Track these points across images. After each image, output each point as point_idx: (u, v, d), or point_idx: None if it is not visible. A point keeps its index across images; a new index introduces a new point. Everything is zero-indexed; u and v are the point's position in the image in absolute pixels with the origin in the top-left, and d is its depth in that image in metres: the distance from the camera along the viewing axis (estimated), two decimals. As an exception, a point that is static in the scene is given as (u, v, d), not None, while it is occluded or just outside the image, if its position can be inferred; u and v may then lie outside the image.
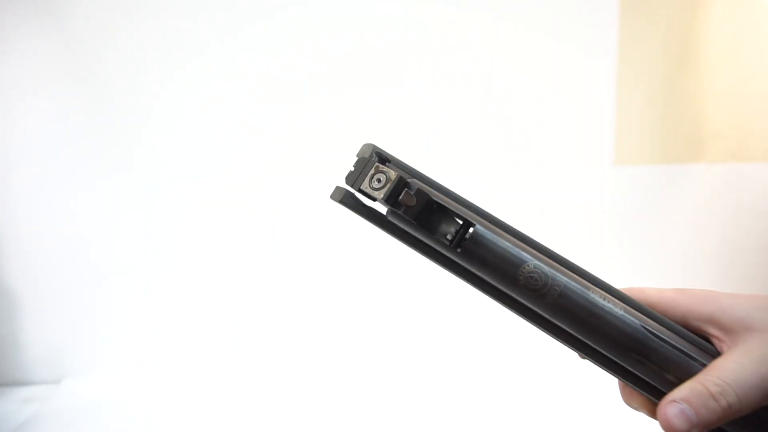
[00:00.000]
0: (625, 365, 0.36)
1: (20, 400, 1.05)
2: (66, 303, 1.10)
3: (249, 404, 1.03)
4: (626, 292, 0.37)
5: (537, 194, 1.14)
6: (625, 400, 0.39)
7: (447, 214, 0.36)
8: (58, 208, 1.07)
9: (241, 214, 1.10)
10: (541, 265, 0.35)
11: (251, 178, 1.09)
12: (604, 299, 0.35)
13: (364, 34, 1.07)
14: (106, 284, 1.10)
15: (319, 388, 1.07)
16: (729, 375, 0.32)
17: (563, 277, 0.35)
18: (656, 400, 0.36)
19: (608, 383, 0.38)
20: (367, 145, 0.37)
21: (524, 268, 0.35)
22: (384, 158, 0.37)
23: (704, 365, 0.34)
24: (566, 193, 1.15)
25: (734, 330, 0.34)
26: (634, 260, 1.17)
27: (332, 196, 0.37)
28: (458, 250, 0.35)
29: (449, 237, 0.36)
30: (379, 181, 0.36)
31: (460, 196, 0.37)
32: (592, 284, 0.36)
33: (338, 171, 0.38)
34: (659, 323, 0.36)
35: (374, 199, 0.36)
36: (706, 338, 0.36)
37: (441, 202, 0.35)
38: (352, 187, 0.37)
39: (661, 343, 0.35)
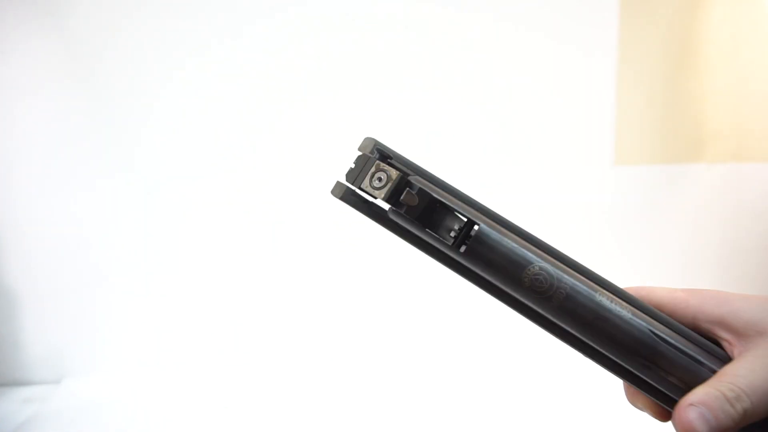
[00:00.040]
0: (631, 369, 0.35)
1: (20, 400, 1.05)
2: (66, 303, 1.10)
3: (249, 404, 1.02)
4: (635, 293, 0.37)
5: (537, 194, 1.14)
6: (629, 400, 0.38)
7: (450, 212, 0.35)
8: (58, 208, 1.07)
9: (241, 214, 1.10)
10: (547, 266, 0.34)
11: (251, 178, 1.09)
12: (612, 302, 0.34)
13: (364, 34, 1.07)
14: (106, 284, 1.10)
15: (319, 388, 1.07)
16: (742, 381, 0.31)
17: (570, 279, 0.34)
18: (662, 404, 0.35)
19: (612, 381, 0.38)
20: (368, 140, 0.36)
21: (529, 269, 0.34)
22: (385, 155, 0.36)
23: (713, 371, 0.33)
24: (566, 193, 1.15)
25: (746, 334, 0.33)
26: (634, 260, 1.17)
27: (333, 192, 0.37)
28: (461, 249, 0.35)
29: (453, 235, 0.35)
30: (379, 180, 0.35)
31: (463, 194, 0.36)
32: (600, 286, 0.35)
33: (338, 171, 0.38)
34: (668, 327, 0.35)
35: (375, 198, 0.35)
36: (716, 341, 0.35)
37: (444, 201, 0.35)
38: (352, 184, 0.36)
39: (669, 347, 0.34)
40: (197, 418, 0.99)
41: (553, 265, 0.34)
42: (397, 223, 0.36)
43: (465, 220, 0.35)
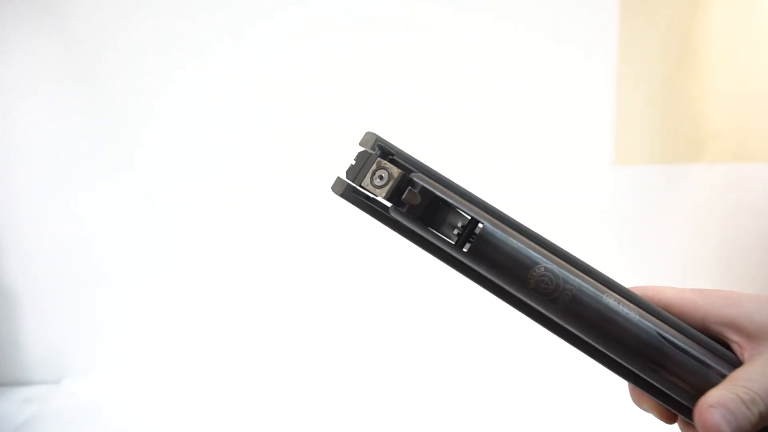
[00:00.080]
0: (638, 373, 0.34)
1: (20, 400, 1.05)
2: (66, 303, 1.10)
3: (249, 404, 1.02)
4: (641, 293, 0.36)
5: (537, 194, 1.14)
6: (634, 401, 0.37)
7: (453, 210, 0.34)
8: (58, 208, 1.07)
9: (241, 214, 1.10)
10: (553, 267, 0.33)
11: (251, 178, 1.09)
12: (619, 303, 0.33)
13: (364, 34, 1.07)
14: (106, 284, 1.10)
15: (319, 389, 1.07)
16: (755, 385, 0.31)
17: (576, 280, 0.33)
18: (669, 407, 0.35)
19: (616, 381, 0.37)
20: (369, 134, 0.35)
21: (535, 270, 0.33)
22: (386, 151, 0.35)
23: (722, 375, 0.32)
24: (566, 193, 1.15)
25: (757, 336, 0.33)
26: (634, 260, 1.16)
27: (333, 188, 0.36)
28: (465, 249, 0.34)
29: (456, 233, 0.34)
30: (381, 178, 0.34)
31: (467, 191, 0.35)
32: (607, 287, 0.34)
33: (338, 171, 0.37)
34: (676, 329, 0.34)
35: (376, 196, 0.35)
36: (725, 343, 0.34)
37: (447, 199, 0.34)
38: (353, 182, 0.35)
39: (678, 351, 0.33)
40: (197, 418, 0.99)
41: (559, 265, 0.34)
42: (398, 222, 0.35)
43: (469, 218, 0.34)
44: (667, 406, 0.35)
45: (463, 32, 1.09)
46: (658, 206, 1.17)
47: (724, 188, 1.18)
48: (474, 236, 0.34)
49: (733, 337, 0.34)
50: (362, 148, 0.36)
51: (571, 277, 0.33)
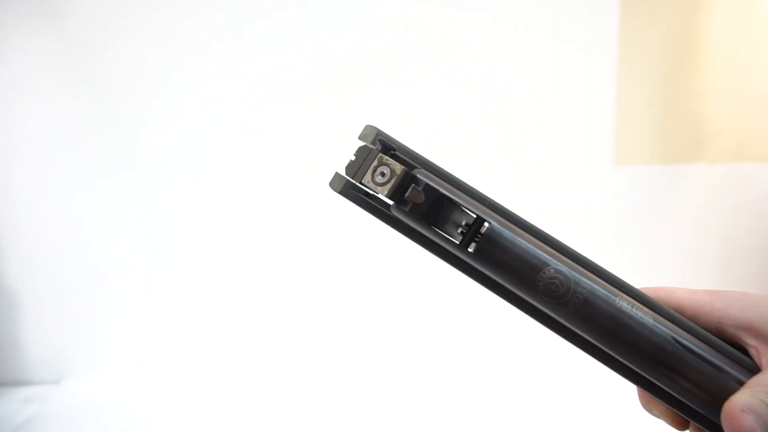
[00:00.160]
0: (651, 378, 0.32)
1: (20, 400, 1.05)
2: (66, 303, 1.10)
3: (249, 404, 1.02)
4: (652, 294, 0.34)
5: (537, 194, 1.14)
6: (644, 406, 0.36)
7: (458, 209, 0.32)
8: (58, 208, 1.07)
9: (241, 214, 1.10)
10: (564, 269, 0.31)
11: (251, 178, 1.09)
12: (633, 307, 0.32)
13: (364, 34, 1.07)
14: (106, 284, 1.10)
15: (319, 389, 1.07)
16: None
17: (588, 283, 0.31)
18: (682, 413, 0.34)
19: (624, 385, 0.36)
20: (369, 128, 0.34)
21: (544, 272, 0.31)
22: (388, 146, 0.33)
23: (740, 381, 0.31)
24: (566, 193, 1.15)
25: None
26: (634, 260, 1.16)
27: (331, 185, 0.34)
28: (470, 249, 0.32)
29: (461, 233, 0.32)
30: (382, 175, 0.32)
31: (473, 189, 0.34)
32: (619, 289, 0.33)
33: (338, 169, 0.36)
34: (692, 333, 0.32)
35: (377, 194, 0.33)
36: (741, 347, 0.33)
37: (452, 197, 0.32)
38: (352, 178, 0.33)
39: (694, 357, 0.31)
40: (197, 418, 0.99)
41: (570, 267, 0.32)
42: (401, 221, 0.34)
43: (474, 217, 0.32)
44: (679, 413, 0.34)
45: (463, 32, 1.09)
46: (658, 206, 1.17)
47: (724, 188, 1.18)
48: (480, 236, 0.32)
49: (750, 341, 0.32)
50: (362, 143, 0.34)
51: (583, 279, 0.32)
